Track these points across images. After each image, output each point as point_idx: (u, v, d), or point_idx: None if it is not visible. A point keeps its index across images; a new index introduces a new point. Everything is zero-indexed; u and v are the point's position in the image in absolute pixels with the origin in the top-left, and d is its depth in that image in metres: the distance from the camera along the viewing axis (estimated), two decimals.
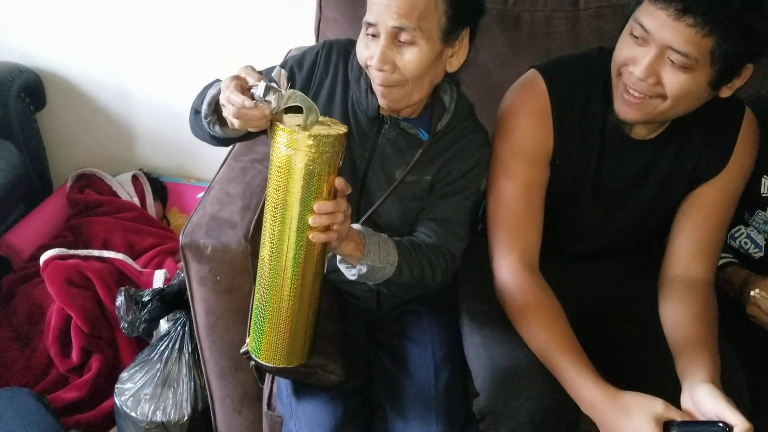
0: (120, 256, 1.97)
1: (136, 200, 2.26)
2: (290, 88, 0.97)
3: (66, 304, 1.80)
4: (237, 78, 0.99)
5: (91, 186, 2.27)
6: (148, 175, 2.38)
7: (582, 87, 1.24)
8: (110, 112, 2.40)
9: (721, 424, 0.99)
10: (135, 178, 2.33)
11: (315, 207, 0.97)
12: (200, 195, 2.07)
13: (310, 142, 0.93)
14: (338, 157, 0.97)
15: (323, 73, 1.25)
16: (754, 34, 1.03)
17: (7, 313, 1.93)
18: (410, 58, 1.09)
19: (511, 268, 1.24)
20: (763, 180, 1.35)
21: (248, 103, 0.94)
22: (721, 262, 1.38)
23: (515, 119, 1.26)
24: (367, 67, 1.14)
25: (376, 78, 1.13)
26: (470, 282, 1.37)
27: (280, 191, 0.96)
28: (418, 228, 1.26)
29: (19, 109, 2.22)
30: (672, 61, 1.05)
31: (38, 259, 1.98)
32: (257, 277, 1.04)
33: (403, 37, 1.07)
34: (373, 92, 1.18)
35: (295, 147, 0.93)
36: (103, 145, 2.46)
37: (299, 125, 0.95)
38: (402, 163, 1.23)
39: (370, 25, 1.09)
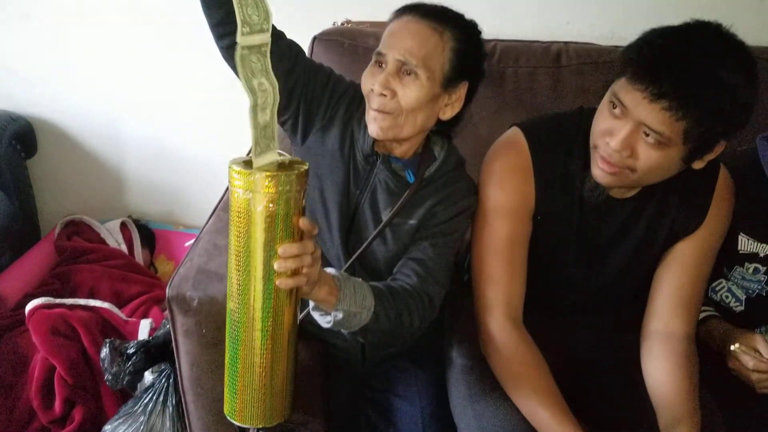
0: (106, 305, 1.96)
1: (124, 247, 2.27)
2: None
3: (50, 355, 1.79)
4: None
5: (79, 233, 2.28)
6: (136, 221, 2.39)
7: (562, 146, 1.27)
8: (100, 159, 2.42)
9: None
10: (123, 225, 2.34)
11: (280, 251, 0.92)
12: (189, 243, 2.09)
13: (268, 182, 0.88)
14: (301, 196, 0.93)
15: (343, 104, 1.29)
16: (726, 117, 1.06)
17: None
18: (410, 90, 1.16)
19: (495, 323, 1.25)
20: (740, 237, 1.38)
21: None
22: (703, 315, 1.40)
23: (498, 175, 1.28)
24: (369, 93, 1.19)
25: (374, 103, 1.18)
26: (456, 335, 1.38)
27: (241, 238, 0.91)
28: (398, 269, 1.26)
29: (10, 156, 2.23)
30: (647, 138, 1.08)
31: (24, 307, 1.96)
32: (227, 332, 0.98)
33: (407, 68, 1.15)
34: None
35: (253, 189, 0.88)
36: (93, 192, 2.47)
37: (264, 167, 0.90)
38: (390, 204, 1.26)
39: (380, 54, 1.17)
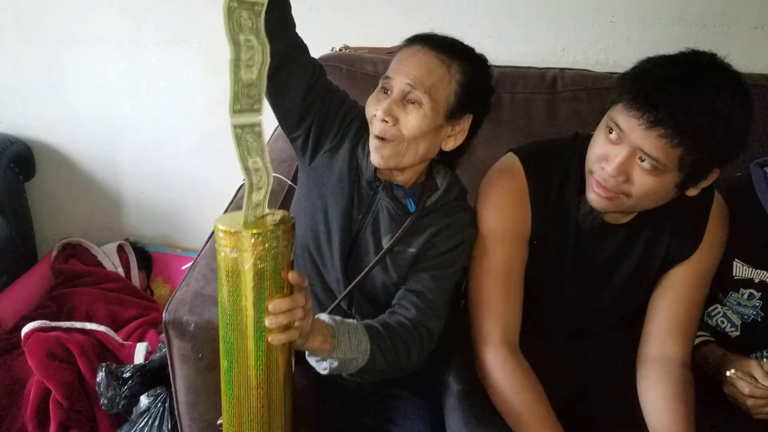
0: (102, 328, 1.96)
1: (120, 270, 2.27)
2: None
3: (46, 378, 1.78)
4: None
5: (76, 256, 2.29)
6: (134, 244, 2.39)
7: (557, 171, 1.28)
8: (98, 182, 2.43)
9: None
10: (120, 247, 2.34)
11: (270, 307, 0.91)
12: (186, 266, 2.09)
13: (255, 240, 0.87)
14: (289, 251, 0.92)
15: (353, 128, 1.30)
16: (721, 145, 1.07)
17: None
18: (412, 118, 1.16)
19: (492, 349, 1.25)
20: (734, 263, 1.38)
21: None
22: (698, 340, 1.40)
23: (494, 200, 1.29)
24: (372, 118, 1.20)
25: (375, 129, 1.18)
26: (453, 360, 1.38)
27: (231, 296, 0.90)
28: (397, 300, 1.26)
29: (8, 179, 2.24)
30: (642, 164, 1.09)
31: (20, 330, 1.96)
32: (222, 390, 0.96)
33: (412, 97, 1.16)
34: None
35: (240, 248, 0.87)
36: (91, 215, 2.48)
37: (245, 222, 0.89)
38: (391, 230, 1.27)
39: (387, 78, 1.18)
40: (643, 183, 1.11)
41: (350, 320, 1.13)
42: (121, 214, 2.48)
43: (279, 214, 0.92)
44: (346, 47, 1.98)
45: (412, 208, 1.27)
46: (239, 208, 0.90)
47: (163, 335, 1.37)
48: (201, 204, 2.43)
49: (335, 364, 1.08)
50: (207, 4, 2.03)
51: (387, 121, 1.16)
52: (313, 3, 1.99)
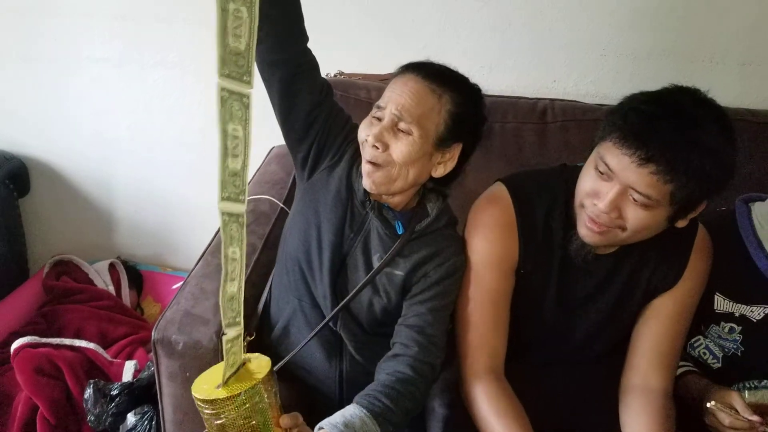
0: (92, 345, 1.96)
1: (111, 288, 2.28)
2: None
3: (34, 394, 1.79)
4: None
5: (67, 273, 2.30)
6: (125, 263, 2.40)
7: (544, 203, 1.30)
8: (91, 201, 2.45)
9: None
10: (112, 266, 2.36)
11: None
12: (176, 286, 2.11)
13: (236, 403, 0.88)
14: (274, 398, 0.94)
15: (351, 149, 1.33)
16: (710, 179, 1.10)
17: None
18: (402, 144, 1.19)
19: (477, 376, 1.27)
20: (716, 296, 1.41)
21: None
22: (681, 370, 1.42)
23: (482, 231, 1.31)
24: (363, 143, 1.23)
25: (366, 154, 1.21)
26: (437, 384, 1.39)
27: None
28: (396, 338, 1.28)
29: (2, 195, 2.26)
30: (634, 200, 1.12)
31: (9, 345, 1.97)
32: None
33: (402, 126, 1.19)
34: None
35: (223, 413, 0.88)
36: (83, 232, 2.49)
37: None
38: (381, 250, 1.29)
39: (379, 107, 1.21)
40: (636, 217, 1.13)
41: (353, 419, 1.13)
42: (113, 232, 2.50)
43: (253, 356, 0.95)
44: (341, 73, 2.02)
45: (400, 230, 1.30)
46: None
47: (151, 353, 1.38)
48: (193, 224, 2.45)
49: None
50: (204, 28, 2.08)
51: (377, 147, 1.19)
52: (309, 30, 2.03)
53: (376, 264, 1.29)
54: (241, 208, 0.86)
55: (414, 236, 1.30)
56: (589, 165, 1.19)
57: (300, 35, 1.23)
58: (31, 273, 2.45)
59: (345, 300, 1.29)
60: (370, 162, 1.21)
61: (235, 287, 0.88)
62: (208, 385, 0.91)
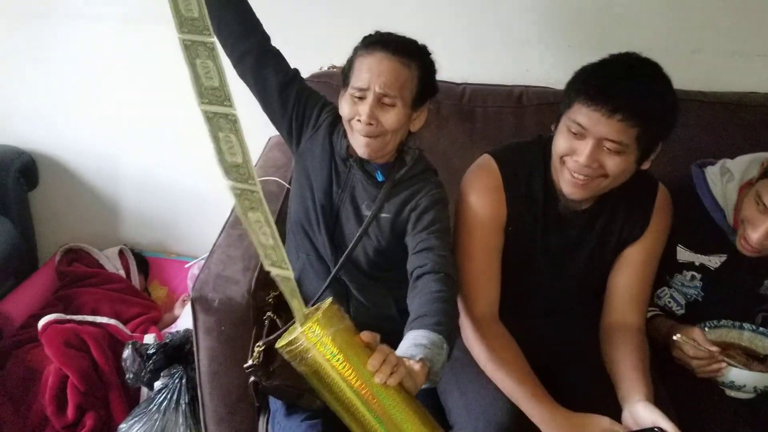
0: (112, 321, 2.12)
1: (122, 272, 2.43)
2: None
3: (64, 365, 1.94)
4: None
5: (78, 260, 2.45)
6: (131, 250, 2.56)
7: (526, 168, 1.50)
8: (98, 192, 2.60)
9: (656, 429, 1.22)
10: (120, 252, 2.51)
11: (369, 366, 1.01)
12: (188, 265, 2.27)
13: (315, 332, 0.97)
14: (347, 320, 1.03)
15: (329, 118, 1.52)
16: (663, 118, 1.33)
17: (0, 377, 2.05)
18: (391, 115, 1.38)
19: (475, 319, 1.45)
20: (678, 248, 1.63)
21: None
22: (650, 314, 1.62)
23: (474, 194, 1.49)
24: (352, 121, 1.41)
25: (361, 131, 1.39)
26: None
27: (334, 391, 1.00)
28: (410, 266, 1.40)
29: (14, 188, 2.40)
30: (608, 149, 1.32)
31: (29, 327, 2.13)
32: None
33: (387, 100, 1.37)
34: (345, 136, 1.46)
35: (307, 350, 0.97)
36: (89, 223, 2.63)
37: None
38: (367, 199, 1.49)
39: (360, 89, 1.38)
40: (614, 164, 1.32)
41: (414, 335, 1.20)
42: (118, 222, 2.64)
43: (323, 304, 1.03)
44: (334, 66, 2.20)
45: (380, 178, 1.48)
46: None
47: (166, 329, 1.46)
48: (193, 212, 2.59)
49: (439, 374, 1.18)
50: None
51: (372, 124, 1.37)
52: (304, 28, 2.20)
53: (365, 212, 1.48)
54: (250, 186, 0.92)
55: (396, 182, 1.48)
56: (561, 131, 1.38)
57: (253, 27, 1.46)
58: (40, 263, 2.59)
59: (348, 250, 1.47)
60: (366, 136, 1.39)
61: (239, 159, 0.92)
62: (287, 336, 1.01)
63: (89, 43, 2.36)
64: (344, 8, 2.19)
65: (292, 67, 1.52)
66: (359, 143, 1.42)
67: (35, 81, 2.43)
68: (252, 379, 1.34)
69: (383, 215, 1.48)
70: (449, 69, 2.18)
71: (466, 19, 2.16)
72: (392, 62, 1.38)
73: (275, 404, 1.52)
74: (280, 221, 1.78)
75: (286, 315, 1.48)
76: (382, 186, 1.47)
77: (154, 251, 2.65)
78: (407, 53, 1.41)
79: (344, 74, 1.44)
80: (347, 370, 0.99)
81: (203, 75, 0.88)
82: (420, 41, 1.46)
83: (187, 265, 2.33)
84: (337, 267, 1.49)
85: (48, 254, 2.57)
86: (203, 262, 1.62)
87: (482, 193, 1.49)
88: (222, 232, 1.75)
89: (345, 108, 1.41)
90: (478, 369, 1.44)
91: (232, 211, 1.85)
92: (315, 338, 0.97)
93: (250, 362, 1.33)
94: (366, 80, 1.37)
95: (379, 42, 1.42)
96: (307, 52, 1.95)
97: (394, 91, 1.37)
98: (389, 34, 1.45)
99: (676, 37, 2.11)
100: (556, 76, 2.17)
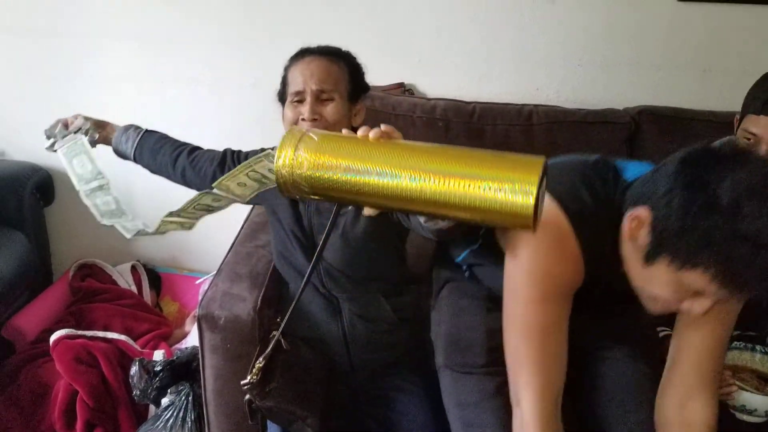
0: (123, 337, 2.13)
1: (134, 288, 2.45)
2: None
3: (74, 380, 1.95)
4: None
5: (92, 275, 2.47)
6: (144, 266, 2.58)
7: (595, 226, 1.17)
8: None
9: None
10: (133, 268, 2.53)
11: (360, 134, 0.91)
12: (200, 281, 2.29)
13: (294, 138, 0.88)
14: (315, 138, 0.90)
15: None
16: None
17: (12, 391, 2.06)
18: (331, 108, 1.44)
19: (523, 412, 1.17)
20: None
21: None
22: (662, 334, 1.56)
23: (544, 256, 1.16)
24: (297, 122, 1.46)
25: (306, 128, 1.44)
26: (440, 339, 1.46)
27: (349, 184, 0.85)
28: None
29: (30, 204, 2.43)
30: None
31: (42, 341, 2.14)
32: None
33: (324, 95, 1.44)
34: None
35: (289, 166, 0.87)
36: (103, 239, 2.64)
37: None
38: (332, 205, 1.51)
39: (297, 93, 1.45)
40: None
41: None
42: (132, 238, 2.66)
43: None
44: None
45: None
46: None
47: (176, 345, 1.49)
48: (205, 229, 2.60)
49: None
50: (218, 47, 2.28)
51: (316, 119, 1.43)
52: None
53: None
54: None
55: None
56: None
57: (169, 171, 1.76)
58: (55, 277, 2.61)
59: (319, 247, 1.43)
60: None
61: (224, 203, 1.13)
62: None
63: (104, 61, 2.41)
64: (356, 30, 2.22)
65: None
66: None
67: (51, 98, 2.47)
68: (247, 396, 1.35)
69: (348, 208, 1.49)
70: (460, 87, 2.22)
71: (477, 39, 2.18)
72: (321, 61, 1.47)
73: (273, 427, 1.52)
74: None
75: (291, 338, 1.49)
76: None
77: (166, 267, 2.67)
78: (332, 53, 1.50)
79: (280, 93, 1.52)
80: (339, 159, 0.86)
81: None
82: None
83: (198, 281, 2.35)
84: (311, 263, 1.46)
85: (62, 269, 2.60)
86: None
87: (556, 257, 1.16)
88: (230, 249, 1.77)
89: (288, 115, 1.47)
90: (483, 393, 1.35)
91: (241, 228, 1.87)
92: (290, 158, 0.87)
93: (248, 378, 1.34)
94: (301, 83, 1.45)
95: (304, 50, 1.52)
96: None
97: (329, 85, 1.44)
98: (312, 46, 1.53)
99: (685, 56, 2.11)
100: (566, 95, 2.20)
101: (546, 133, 1.97)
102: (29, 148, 2.53)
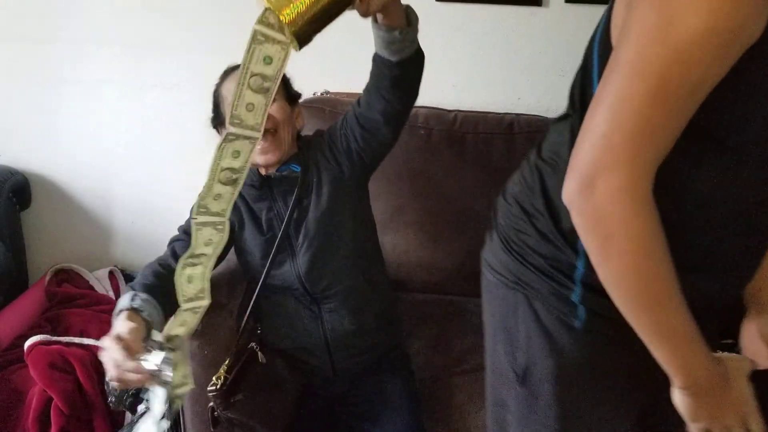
0: (99, 343, 2.10)
1: (111, 294, 2.42)
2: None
3: (48, 387, 1.92)
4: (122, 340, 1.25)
5: (69, 280, 2.44)
6: (122, 271, 2.55)
7: None
8: (90, 213, 2.60)
9: None
10: (111, 273, 2.50)
11: None
12: None
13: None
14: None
15: None
16: None
17: None
18: (275, 107, 1.52)
19: (633, 175, 0.81)
20: None
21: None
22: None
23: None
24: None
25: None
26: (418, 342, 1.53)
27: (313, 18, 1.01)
28: (359, 110, 1.59)
29: (6, 208, 2.39)
30: None
31: (16, 347, 2.11)
32: None
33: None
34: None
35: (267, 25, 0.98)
36: (81, 243, 2.63)
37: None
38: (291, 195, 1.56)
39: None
40: None
41: None
42: (110, 243, 2.64)
43: None
44: (327, 92, 2.22)
45: (296, 169, 1.57)
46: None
47: None
48: None
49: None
50: (200, 54, 2.27)
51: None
52: (299, 55, 2.22)
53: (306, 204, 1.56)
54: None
55: (308, 154, 1.60)
56: None
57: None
58: (31, 283, 2.57)
59: (282, 227, 1.53)
60: (262, 151, 1.51)
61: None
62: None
63: (83, 66, 2.39)
64: (338, 35, 2.21)
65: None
66: (259, 154, 1.52)
67: (29, 102, 2.45)
68: (210, 403, 1.34)
69: (315, 179, 1.56)
70: (441, 96, 2.22)
71: (459, 49, 2.18)
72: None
73: None
74: None
75: (270, 351, 1.49)
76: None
77: None
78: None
79: (215, 118, 1.62)
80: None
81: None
82: None
83: None
84: (279, 236, 1.54)
85: (39, 274, 2.56)
86: None
87: None
88: None
89: None
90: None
91: None
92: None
93: (213, 381, 1.33)
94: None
95: (229, 68, 1.63)
96: (303, 77, 1.98)
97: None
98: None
99: None
100: (547, 105, 2.21)
101: (527, 142, 1.98)
102: (5, 151, 2.51)
